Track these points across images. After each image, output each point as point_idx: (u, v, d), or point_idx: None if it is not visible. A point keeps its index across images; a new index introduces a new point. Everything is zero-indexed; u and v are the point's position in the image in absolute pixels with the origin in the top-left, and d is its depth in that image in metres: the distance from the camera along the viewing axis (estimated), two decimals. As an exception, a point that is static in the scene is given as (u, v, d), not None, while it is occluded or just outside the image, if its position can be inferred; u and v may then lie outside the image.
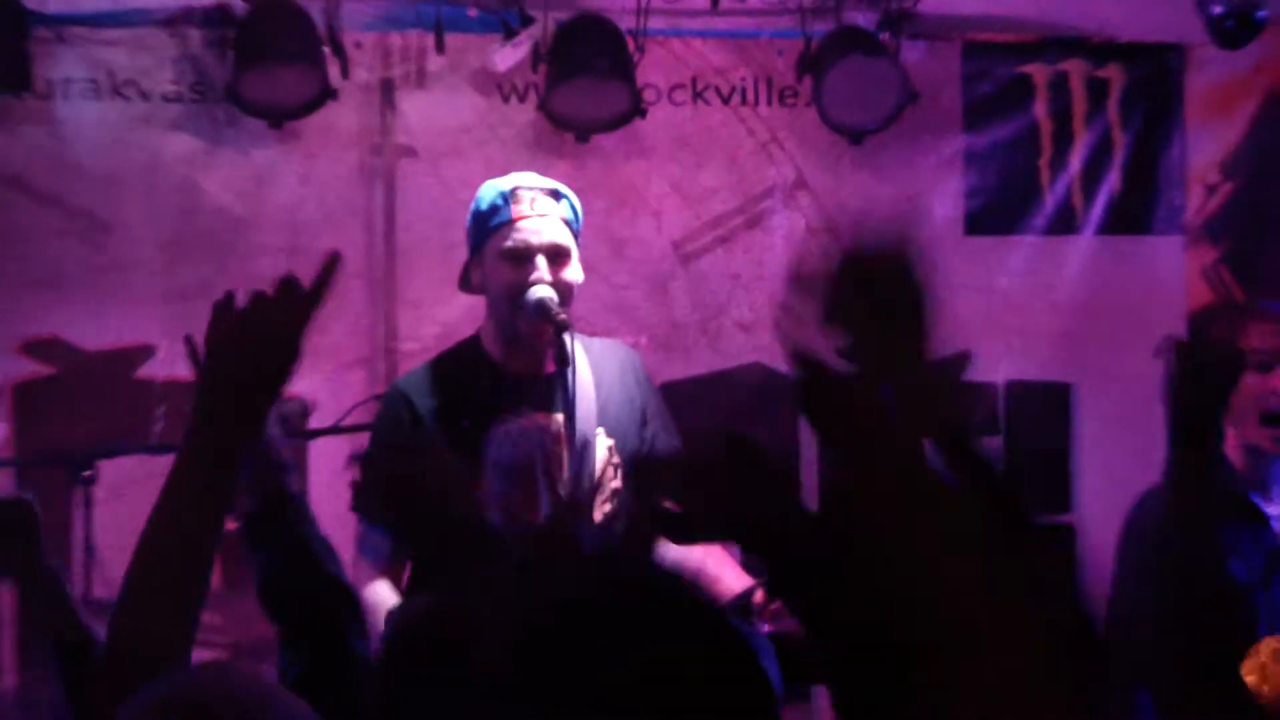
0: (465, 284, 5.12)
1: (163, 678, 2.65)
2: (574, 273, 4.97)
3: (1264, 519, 5.41)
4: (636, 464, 5.16)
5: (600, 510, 5.04)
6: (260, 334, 3.04)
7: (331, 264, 3.01)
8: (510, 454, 4.98)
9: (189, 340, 3.21)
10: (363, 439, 5.70)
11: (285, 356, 3.04)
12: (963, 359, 6.66)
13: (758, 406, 6.94)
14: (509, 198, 4.92)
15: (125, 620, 3.03)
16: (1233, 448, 5.40)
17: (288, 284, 2.97)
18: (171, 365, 6.57)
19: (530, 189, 4.96)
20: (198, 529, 3.01)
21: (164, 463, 5.63)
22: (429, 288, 6.53)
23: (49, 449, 6.37)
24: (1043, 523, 2.64)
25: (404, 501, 4.29)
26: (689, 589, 2.46)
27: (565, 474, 5.06)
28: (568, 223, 4.97)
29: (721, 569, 4.85)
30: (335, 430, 6.14)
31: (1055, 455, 7.13)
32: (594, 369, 5.10)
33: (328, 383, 6.55)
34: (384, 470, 4.71)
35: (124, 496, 6.04)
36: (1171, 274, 7.22)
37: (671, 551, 4.67)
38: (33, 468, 6.43)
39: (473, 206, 5.05)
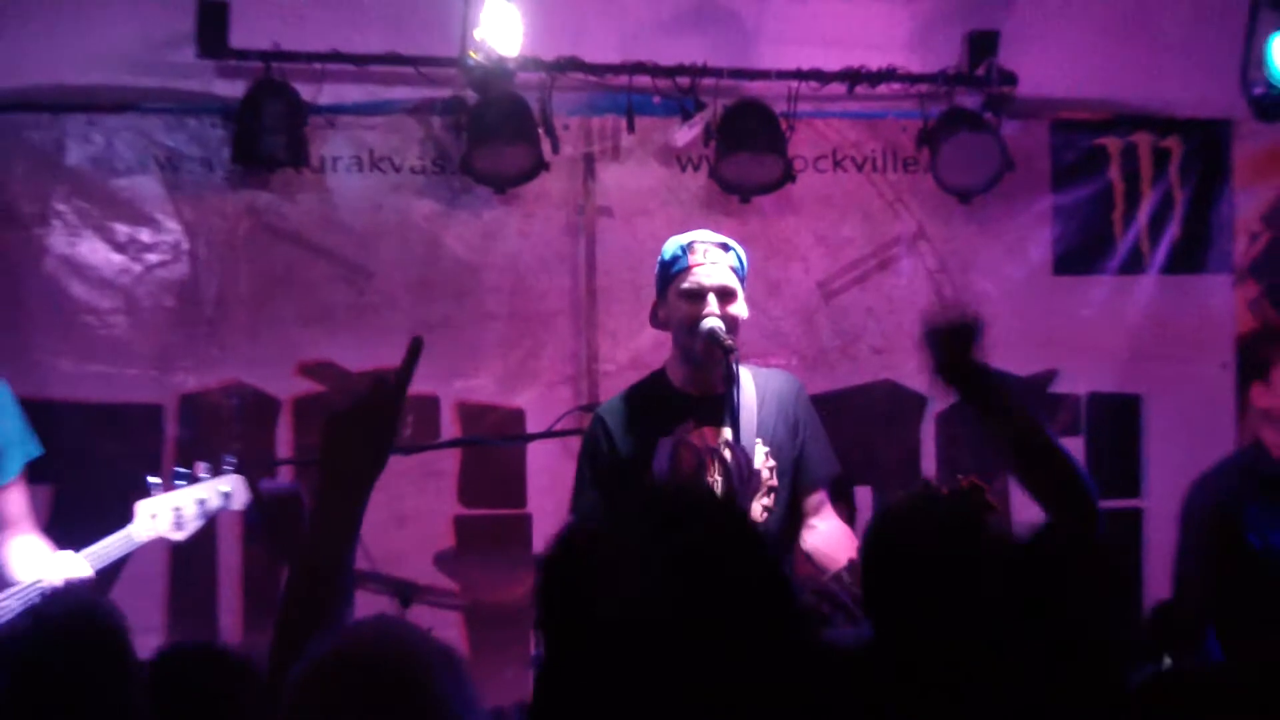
0: (654, 321, 5.54)
1: (332, 632, 2.94)
2: (740, 309, 5.37)
3: None
4: (784, 468, 5.44)
5: (758, 505, 5.36)
6: (363, 425, 3.32)
7: (416, 347, 3.33)
8: (669, 464, 5.42)
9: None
10: (570, 441, 6.27)
11: (384, 440, 3.35)
12: (1049, 375, 7.49)
13: (888, 415, 7.56)
14: (687, 249, 5.37)
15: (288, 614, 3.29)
16: (1271, 433, 5.87)
17: (378, 383, 3.28)
18: (417, 384, 7.39)
19: (704, 242, 5.40)
20: (332, 554, 3.29)
21: (414, 461, 6.58)
22: (623, 321, 7.05)
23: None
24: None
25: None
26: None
27: (723, 476, 5.42)
28: (734, 269, 5.39)
29: (838, 554, 5.31)
30: (547, 435, 6.74)
31: (1128, 452, 7.63)
32: (758, 390, 5.47)
33: (540, 398, 7.20)
34: (585, 480, 5.47)
35: (381, 489, 6.87)
36: (1223, 305, 7.69)
37: (808, 540, 5.29)
38: (307, 465, 6.86)
39: (660, 258, 5.48)
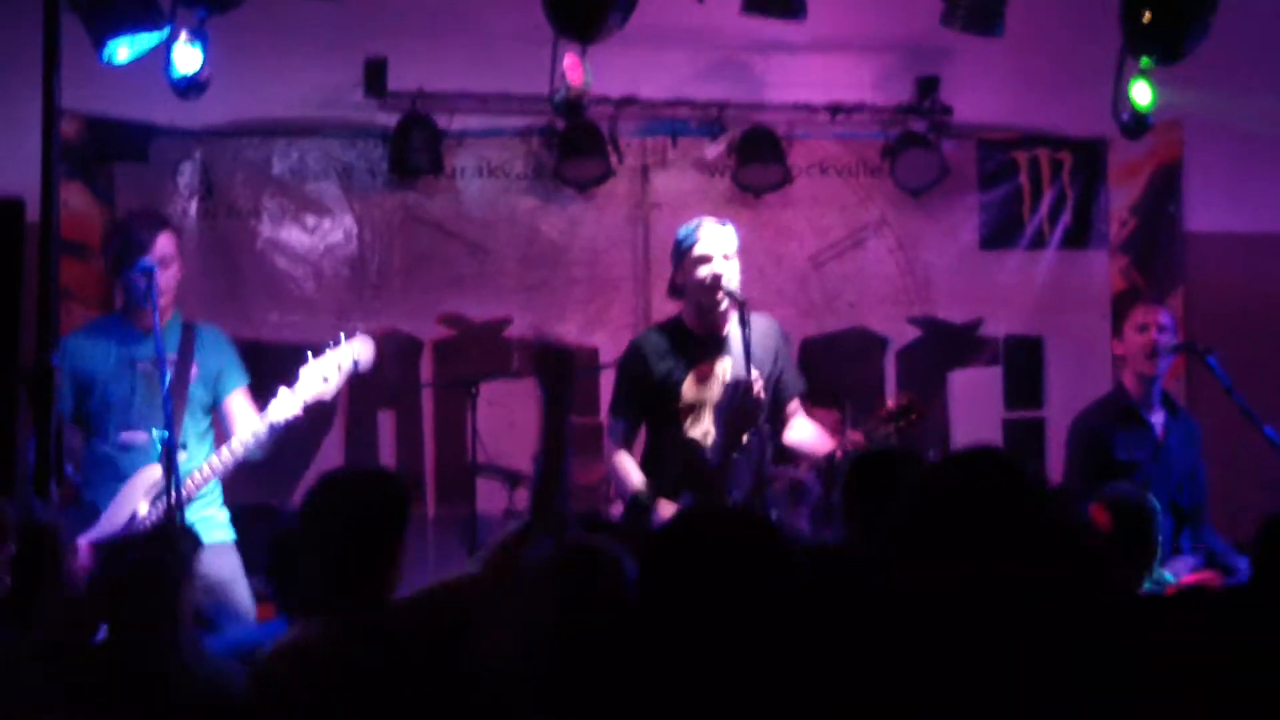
0: (671, 290, 5.97)
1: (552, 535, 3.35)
2: (735, 269, 5.73)
3: (1146, 423, 6.48)
4: (768, 381, 5.75)
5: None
6: (553, 365, 3.95)
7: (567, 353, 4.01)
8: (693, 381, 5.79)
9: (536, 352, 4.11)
10: None
11: (567, 373, 3.94)
12: (977, 322, 7.95)
13: (859, 352, 8.03)
14: (695, 228, 5.81)
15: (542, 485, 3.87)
16: (1128, 376, 6.50)
17: (552, 348, 3.94)
18: (521, 328, 7.72)
19: (709, 222, 5.82)
20: (559, 440, 3.84)
21: (520, 384, 7.20)
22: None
23: (454, 378, 7.30)
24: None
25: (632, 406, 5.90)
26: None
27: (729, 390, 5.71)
28: (731, 242, 5.79)
29: (821, 441, 5.87)
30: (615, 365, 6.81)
31: (1034, 378, 8.15)
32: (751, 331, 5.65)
33: (610, 338, 7.72)
34: (623, 389, 5.99)
35: (495, 404, 7.22)
36: (1101, 272, 8.20)
37: (789, 437, 5.86)
38: (443, 389, 7.53)
39: (675, 239, 5.88)
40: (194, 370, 5.95)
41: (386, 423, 7.69)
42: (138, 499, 5.78)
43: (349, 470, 5.02)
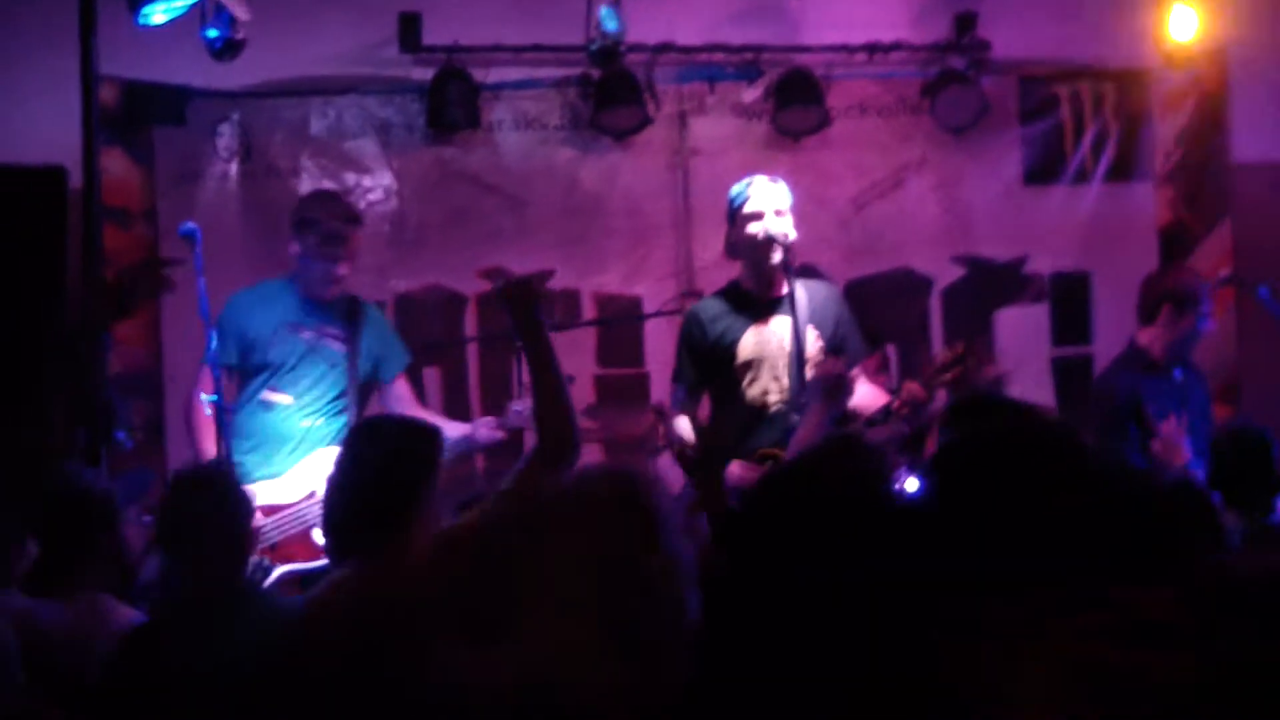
0: (728, 250, 6.10)
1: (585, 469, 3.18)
2: (789, 226, 5.89)
3: (1169, 375, 6.52)
4: (830, 348, 5.94)
5: (811, 368, 5.81)
6: (517, 296, 4.06)
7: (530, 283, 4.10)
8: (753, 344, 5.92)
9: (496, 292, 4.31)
10: (675, 321, 6.64)
11: (532, 300, 4.03)
12: (1022, 259, 7.95)
13: (905, 292, 8.01)
14: (748, 185, 5.94)
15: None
16: (1155, 341, 6.49)
17: (512, 282, 4.10)
18: (563, 280, 7.76)
19: (759, 180, 5.96)
20: (544, 364, 3.97)
21: (563, 336, 6.64)
22: (711, 230, 7.11)
23: (499, 330, 7.19)
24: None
25: (692, 373, 6.00)
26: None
27: (790, 349, 5.85)
28: (781, 196, 5.94)
29: (875, 396, 5.95)
30: (657, 314, 7.50)
31: (1081, 314, 8.05)
32: (809, 294, 5.91)
33: (652, 288, 7.78)
34: (683, 357, 6.11)
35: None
36: (1147, 205, 8.11)
37: (853, 398, 5.84)
38: (487, 342, 7.65)
39: (728, 199, 5.98)
40: (359, 348, 6.27)
41: (433, 378, 7.72)
42: (318, 479, 5.84)
43: (381, 419, 5.16)
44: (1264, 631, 2.34)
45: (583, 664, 2.25)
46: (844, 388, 5.49)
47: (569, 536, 2.41)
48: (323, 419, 6.20)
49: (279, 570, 5.84)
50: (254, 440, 6.17)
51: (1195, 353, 6.64)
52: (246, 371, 6.20)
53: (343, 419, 6.19)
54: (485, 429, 6.28)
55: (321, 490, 5.33)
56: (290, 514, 6.02)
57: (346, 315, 6.31)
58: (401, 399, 6.41)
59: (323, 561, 4.90)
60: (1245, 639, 2.33)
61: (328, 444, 6.09)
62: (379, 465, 3.86)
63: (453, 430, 5.87)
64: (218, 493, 4.18)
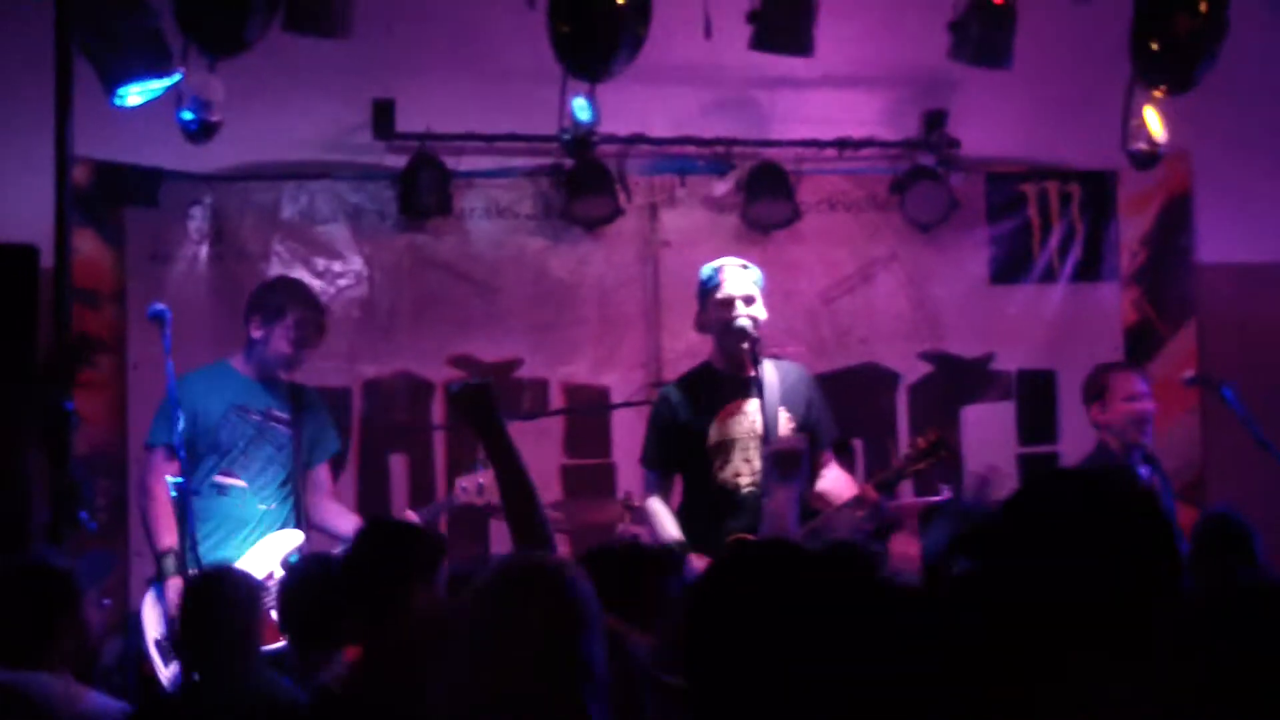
0: (698, 326, 6.15)
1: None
2: (759, 311, 5.90)
3: (1135, 474, 6.44)
4: (802, 429, 5.92)
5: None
6: (471, 401, 4.00)
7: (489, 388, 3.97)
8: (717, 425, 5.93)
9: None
10: (644, 410, 6.65)
11: (487, 403, 3.96)
12: (988, 356, 7.96)
13: (872, 387, 8.01)
14: (718, 270, 5.95)
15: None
16: (1111, 439, 6.58)
17: (465, 388, 4.02)
18: (532, 369, 7.78)
19: (731, 264, 5.98)
20: (509, 466, 3.90)
21: (531, 425, 7.23)
22: (680, 322, 7.26)
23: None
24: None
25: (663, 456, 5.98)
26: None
27: (761, 430, 5.83)
28: (754, 283, 5.94)
29: (846, 482, 5.97)
30: (626, 405, 7.53)
31: (1047, 412, 8.08)
32: (780, 375, 5.99)
33: (621, 378, 7.80)
34: (653, 439, 6.12)
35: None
36: (1113, 304, 8.16)
37: (820, 485, 5.87)
38: (454, 430, 7.50)
39: (699, 279, 6.03)
40: (303, 431, 6.32)
41: (399, 465, 7.71)
42: (274, 561, 6.08)
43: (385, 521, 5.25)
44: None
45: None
46: (797, 461, 5.45)
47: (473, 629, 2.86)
48: (275, 503, 6.25)
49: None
50: (212, 524, 6.17)
51: (1161, 455, 6.70)
52: (195, 454, 6.17)
53: (290, 502, 6.27)
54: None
55: (279, 572, 5.43)
56: None
57: (291, 397, 6.36)
58: (322, 486, 6.51)
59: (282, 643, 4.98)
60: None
61: (279, 526, 6.20)
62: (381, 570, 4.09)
63: (352, 526, 6.01)
64: (233, 593, 4.32)
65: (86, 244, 7.23)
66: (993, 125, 8.02)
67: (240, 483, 6.23)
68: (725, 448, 5.98)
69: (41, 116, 5.56)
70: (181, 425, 5.86)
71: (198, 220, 7.59)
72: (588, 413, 7.81)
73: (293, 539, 6.16)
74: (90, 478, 6.11)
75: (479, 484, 6.40)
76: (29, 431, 5.61)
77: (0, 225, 6.51)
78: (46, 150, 5.46)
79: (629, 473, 7.11)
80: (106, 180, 7.41)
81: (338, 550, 5.79)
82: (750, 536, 5.74)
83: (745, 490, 5.96)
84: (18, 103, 6.84)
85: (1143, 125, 7.26)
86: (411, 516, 6.31)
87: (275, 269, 7.57)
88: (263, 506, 6.21)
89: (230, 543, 6.15)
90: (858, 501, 5.77)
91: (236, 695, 4.15)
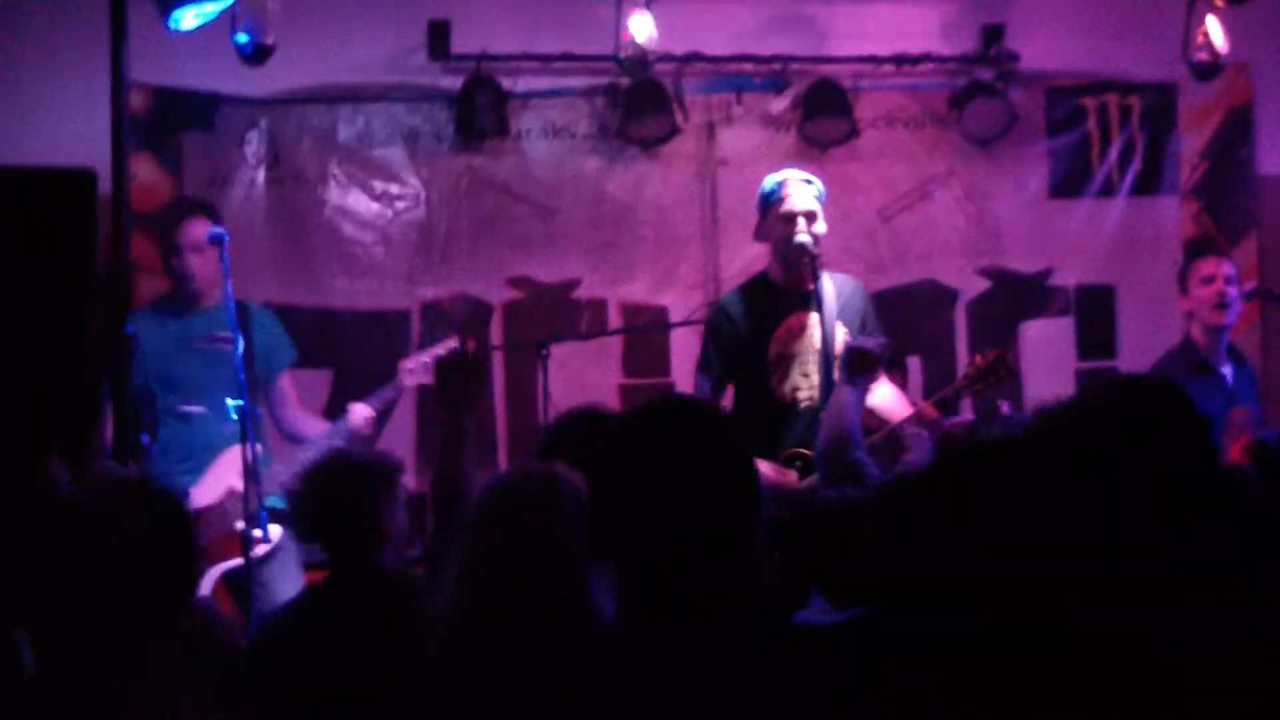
0: (758, 235, 6.08)
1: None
2: (820, 227, 5.89)
3: (1217, 375, 6.54)
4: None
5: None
6: (457, 378, 3.90)
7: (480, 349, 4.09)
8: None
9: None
10: (700, 331, 6.60)
11: (477, 384, 3.91)
12: (1047, 271, 7.87)
13: (930, 304, 7.99)
14: (782, 184, 5.92)
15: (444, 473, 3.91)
16: (1196, 329, 6.61)
17: (468, 352, 4.09)
18: (590, 289, 7.78)
19: (794, 177, 5.97)
20: (457, 444, 3.85)
21: (590, 345, 7.44)
22: (737, 240, 7.40)
23: (524, 340, 7.36)
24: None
25: (721, 366, 5.96)
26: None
27: (820, 345, 5.86)
28: (816, 197, 5.91)
29: (897, 398, 6.03)
30: (684, 324, 7.51)
31: (1106, 327, 8.04)
32: (836, 289, 5.95)
33: (679, 298, 7.79)
34: (710, 349, 6.11)
35: (566, 365, 7.32)
36: (1172, 218, 8.10)
37: (870, 400, 5.67)
38: (514, 350, 7.59)
39: (760, 190, 6.00)
40: (253, 349, 6.21)
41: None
42: (232, 476, 6.00)
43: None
44: None
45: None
46: (872, 365, 5.31)
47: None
48: (231, 421, 6.01)
49: (213, 571, 5.82)
50: (182, 452, 6.23)
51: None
52: (154, 394, 6.05)
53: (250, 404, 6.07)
54: (357, 415, 6.39)
55: (238, 485, 5.52)
56: (214, 513, 6.11)
57: (236, 315, 6.07)
58: (285, 396, 6.62)
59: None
60: None
61: (233, 443, 5.95)
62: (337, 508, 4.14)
63: (322, 428, 6.36)
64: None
65: (144, 169, 7.28)
66: (1051, 38, 7.93)
67: (201, 409, 6.27)
68: (784, 361, 5.97)
69: (97, 41, 5.52)
70: (240, 348, 5.81)
71: (254, 144, 7.58)
72: (646, 331, 7.82)
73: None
74: (151, 400, 6.16)
75: (423, 363, 6.40)
76: (95, 357, 5.61)
77: (58, 150, 6.45)
78: (103, 76, 5.43)
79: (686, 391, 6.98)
80: (163, 105, 7.40)
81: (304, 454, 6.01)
82: (806, 451, 5.73)
83: (803, 404, 5.95)
84: (73, 28, 6.81)
85: (1204, 35, 7.28)
86: (361, 409, 6.34)
87: (332, 192, 7.64)
88: (228, 429, 6.06)
89: (203, 468, 6.22)
90: (918, 418, 5.78)
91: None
